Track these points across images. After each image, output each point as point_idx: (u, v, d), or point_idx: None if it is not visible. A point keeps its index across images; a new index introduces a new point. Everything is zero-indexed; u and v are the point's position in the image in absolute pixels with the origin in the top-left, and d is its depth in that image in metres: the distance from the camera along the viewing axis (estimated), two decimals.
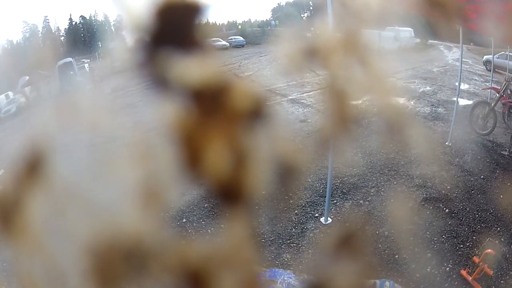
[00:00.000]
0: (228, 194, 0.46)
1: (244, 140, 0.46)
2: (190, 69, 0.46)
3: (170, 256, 0.46)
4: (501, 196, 4.99)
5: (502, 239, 4.37)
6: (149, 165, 0.47)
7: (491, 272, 3.64)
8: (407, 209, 4.78)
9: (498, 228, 4.57)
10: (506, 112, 7.54)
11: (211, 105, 0.46)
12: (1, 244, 0.47)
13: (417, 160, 5.94)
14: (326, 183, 4.90)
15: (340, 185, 5.57)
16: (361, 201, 5.17)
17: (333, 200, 5.17)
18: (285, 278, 3.01)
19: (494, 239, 4.18)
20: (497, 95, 7.63)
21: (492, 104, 7.45)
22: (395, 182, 5.52)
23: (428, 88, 11.05)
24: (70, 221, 0.47)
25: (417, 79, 12.30)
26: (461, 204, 5.06)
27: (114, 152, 0.49)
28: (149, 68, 0.46)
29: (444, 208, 4.95)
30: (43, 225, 0.47)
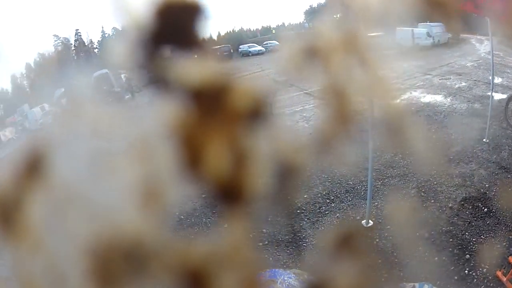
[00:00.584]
0: (228, 194, 0.46)
1: (244, 140, 0.47)
2: (190, 69, 0.46)
3: (170, 256, 0.46)
4: None
5: None
6: (149, 165, 0.47)
7: None
8: (447, 210, 4.69)
9: None
10: None
11: (211, 105, 0.46)
12: (1, 244, 0.47)
13: (456, 159, 5.83)
14: (367, 185, 4.88)
15: (382, 187, 5.50)
16: (401, 203, 5.07)
17: (374, 202, 5.11)
18: (285, 278, 3.07)
19: None
20: None
21: None
22: (435, 182, 5.42)
23: (463, 83, 10.91)
24: (71, 221, 0.47)
25: (452, 75, 12.21)
26: (499, 202, 4.95)
27: (114, 152, 0.50)
28: (149, 68, 0.46)
29: (483, 208, 4.84)
30: (44, 225, 0.47)
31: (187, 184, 0.46)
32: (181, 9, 0.46)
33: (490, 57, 7.76)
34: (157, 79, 0.46)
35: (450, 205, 4.93)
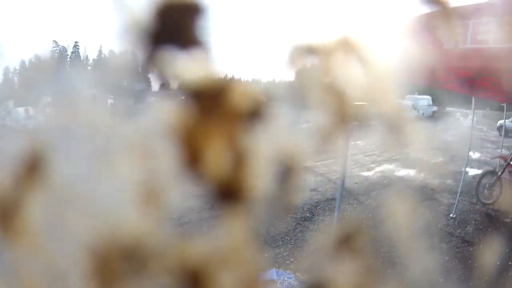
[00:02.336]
0: (228, 194, 0.46)
1: (243, 140, 0.46)
2: (189, 69, 0.46)
3: (170, 256, 0.45)
4: (498, 263, 4.95)
5: None
6: (149, 164, 0.47)
7: None
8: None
9: None
10: None
11: (210, 105, 0.45)
12: (1, 244, 0.47)
13: (418, 233, 5.90)
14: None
15: None
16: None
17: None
18: (285, 278, 3.09)
19: None
20: (504, 162, 7.67)
21: (499, 173, 7.44)
22: (394, 254, 5.49)
23: (440, 159, 11.14)
24: (70, 221, 0.47)
25: (430, 149, 12.56)
26: (457, 273, 5.16)
27: (114, 151, 0.50)
28: (149, 68, 0.46)
29: (440, 279, 4.90)
30: (43, 225, 0.47)
31: (187, 183, 0.46)
32: (181, 8, 0.46)
33: (471, 131, 8.01)
34: (157, 78, 0.46)
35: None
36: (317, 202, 7.48)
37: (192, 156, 0.45)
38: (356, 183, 9.04)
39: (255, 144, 0.46)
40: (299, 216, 6.61)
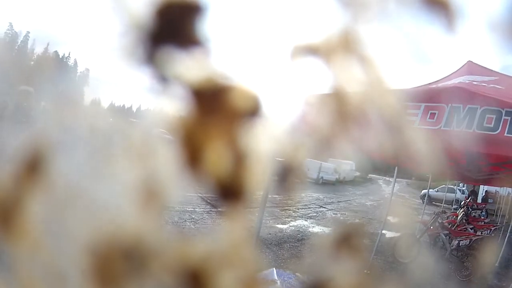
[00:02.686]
0: (228, 193, 0.46)
1: (242, 139, 0.46)
2: (189, 68, 0.46)
3: (170, 256, 0.45)
4: None
5: None
6: (149, 164, 0.47)
7: None
8: None
9: None
10: (432, 242, 8.20)
11: (208, 105, 0.46)
12: (1, 244, 0.47)
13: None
14: None
15: None
16: None
17: None
18: (285, 278, 3.03)
19: None
20: (424, 227, 8.27)
21: (418, 236, 7.98)
22: None
23: (357, 220, 11.30)
24: (70, 221, 0.47)
25: (348, 211, 12.83)
26: None
27: (114, 151, 0.50)
28: (148, 67, 0.46)
29: None
30: (43, 225, 0.47)
31: (187, 183, 0.47)
32: (181, 8, 0.47)
33: (392, 197, 8.40)
34: (157, 78, 0.47)
35: None
36: None
37: (191, 155, 0.45)
38: (269, 233, 9.08)
39: (254, 144, 0.47)
40: None
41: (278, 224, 10.44)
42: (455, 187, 16.41)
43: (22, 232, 0.46)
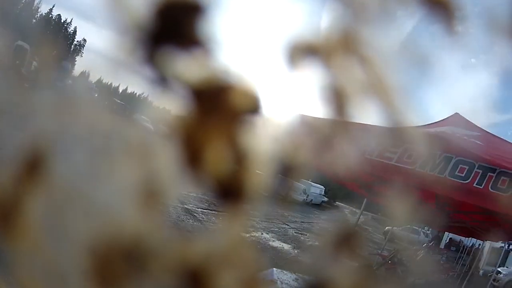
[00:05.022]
0: (228, 193, 0.46)
1: (242, 139, 0.46)
2: (189, 68, 0.46)
3: (170, 255, 0.45)
4: None
5: None
6: (149, 164, 0.47)
7: None
8: None
9: None
10: (388, 276, 8.31)
11: (208, 104, 0.46)
12: (1, 244, 0.46)
13: None
14: None
15: None
16: None
17: None
18: (285, 279, 3.05)
19: None
20: (383, 260, 8.42)
21: (374, 268, 8.27)
22: None
23: (316, 243, 11.55)
24: (70, 221, 0.46)
25: (309, 232, 12.91)
26: None
27: (114, 151, 0.49)
28: (148, 67, 0.46)
29: None
30: (43, 225, 0.46)
31: (187, 183, 0.46)
32: (181, 7, 0.46)
33: (356, 228, 8.67)
34: (157, 78, 0.46)
35: None
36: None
37: (191, 155, 0.45)
38: None
39: (254, 143, 0.46)
40: None
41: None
42: (420, 229, 16.55)
43: (23, 232, 0.46)
